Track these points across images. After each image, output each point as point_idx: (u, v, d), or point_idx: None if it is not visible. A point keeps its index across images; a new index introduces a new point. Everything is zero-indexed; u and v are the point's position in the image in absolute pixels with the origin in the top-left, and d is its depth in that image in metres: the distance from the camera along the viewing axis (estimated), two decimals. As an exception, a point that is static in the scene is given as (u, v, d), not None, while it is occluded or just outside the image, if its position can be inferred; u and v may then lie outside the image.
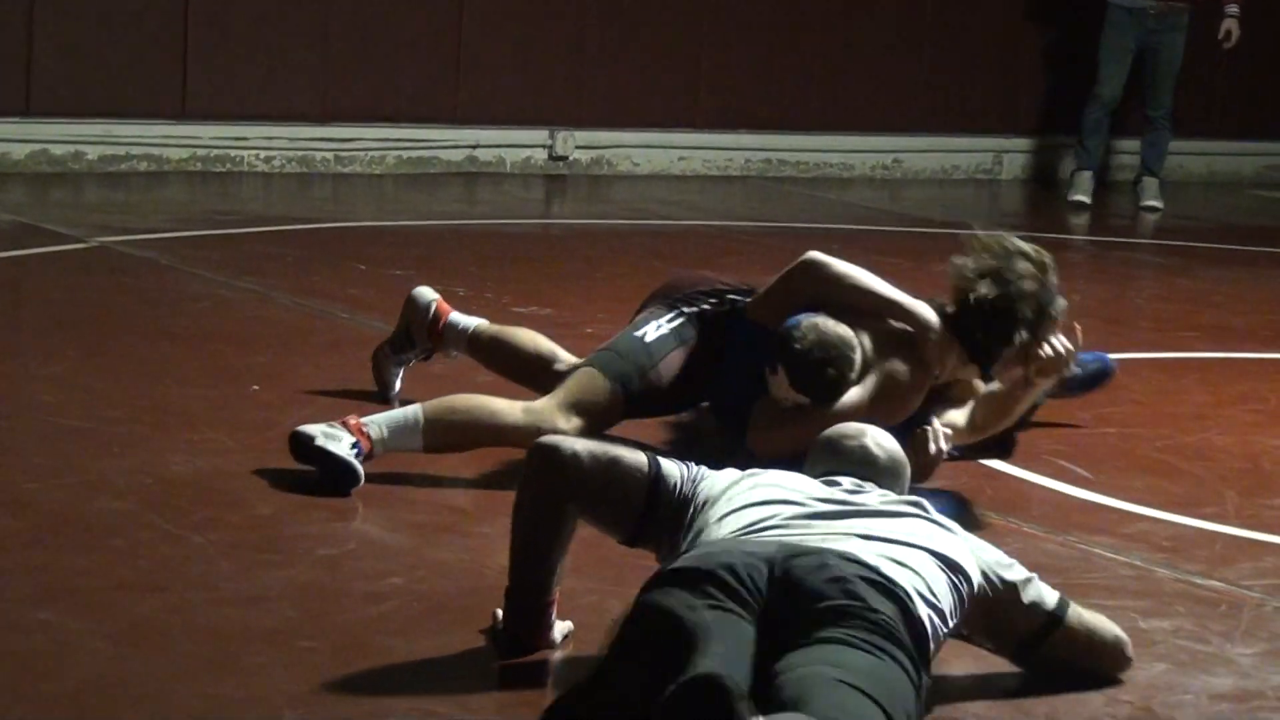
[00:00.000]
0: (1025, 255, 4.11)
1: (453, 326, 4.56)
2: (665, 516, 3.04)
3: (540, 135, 8.89)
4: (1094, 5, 8.93)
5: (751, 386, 4.11)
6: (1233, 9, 8.92)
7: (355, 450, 3.95)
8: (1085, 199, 8.99)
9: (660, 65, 9.06)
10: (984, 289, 4.08)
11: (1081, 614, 3.12)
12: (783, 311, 4.10)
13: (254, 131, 8.36)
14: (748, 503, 2.98)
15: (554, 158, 8.93)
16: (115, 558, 3.51)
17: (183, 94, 8.23)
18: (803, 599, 2.69)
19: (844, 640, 2.64)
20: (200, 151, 8.30)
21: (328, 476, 3.93)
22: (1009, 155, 9.74)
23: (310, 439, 3.93)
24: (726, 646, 2.60)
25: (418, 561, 3.59)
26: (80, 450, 4.14)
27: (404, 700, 2.97)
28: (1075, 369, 4.27)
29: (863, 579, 2.73)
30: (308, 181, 8.37)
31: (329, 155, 8.54)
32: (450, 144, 8.75)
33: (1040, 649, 3.07)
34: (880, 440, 3.21)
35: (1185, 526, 4.10)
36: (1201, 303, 6.82)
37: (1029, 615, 3.05)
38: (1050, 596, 3.08)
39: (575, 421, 4.07)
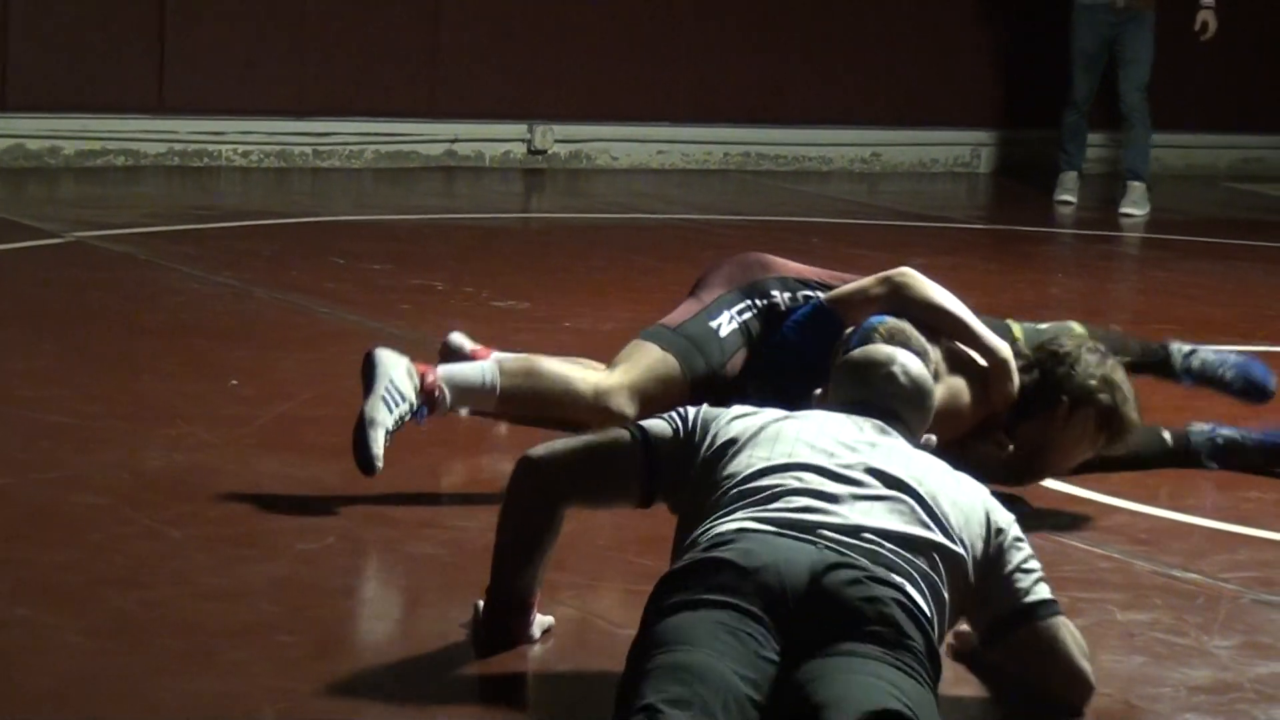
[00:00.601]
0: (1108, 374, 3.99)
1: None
2: (671, 470, 2.99)
3: (519, 129, 8.88)
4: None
5: (802, 368, 3.91)
6: (1209, 0, 8.92)
7: (412, 416, 3.84)
8: (1071, 199, 9.00)
9: (639, 59, 9.06)
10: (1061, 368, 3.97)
11: (1066, 627, 2.99)
12: (859, 314, 3.94)
13: (231, 126, 8.34)
14: (773, 464, 2.88)
15: (533, 151, 8.92)
16: (93, 553, 3.50)
17: (159, 88, 8.21)
18: (837, 614, 2.66)
19: (885, 660, 2.61)
20: (177, 146, 8.27)
21: (356, 443, 3.79)
22: (987, 148, 9.76)
23: (369, 393, 3.81)
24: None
25: (397, 556, 3.59)
26: (58, 445, 4.12)
27: (384, 694, 2.97)
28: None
29: (898, 604, 2.68)
30: (285, 176, 8.35)
31: (307, 149, 8.52)
32: (429, 138, 8.73)
33: (1009, 637, 2.96)
34: (908, 368, 3.10)
35: (1163, 519, 4.10)
36: (1179, 295, 6.84)
37: (1013, 596, 2.95)
38: (1043, 592, 2.98)
39: (640, 409, 3.89)
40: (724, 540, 2.76)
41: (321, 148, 8.54)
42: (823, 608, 2.66)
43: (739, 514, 2.83)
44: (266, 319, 5.49)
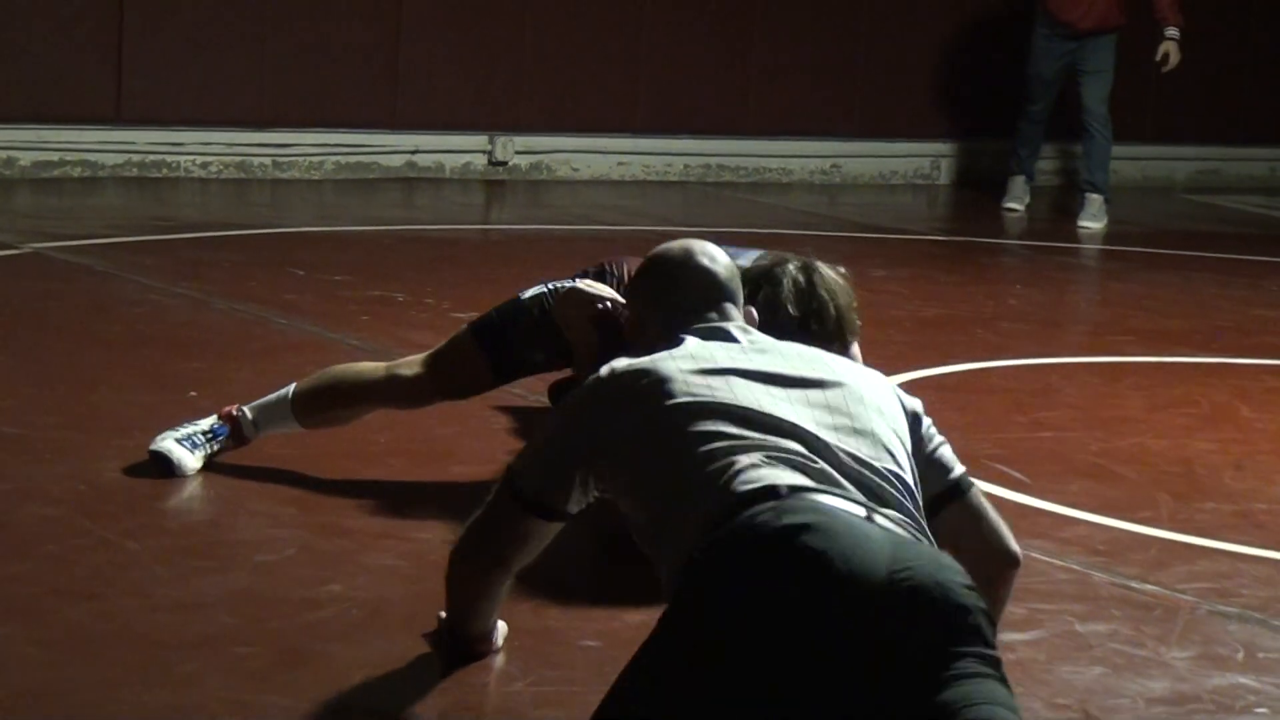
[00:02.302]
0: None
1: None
2: (573, 490, 2.85)
3: (479, 140, 8.88)
4: (1029, 13, 8.98)
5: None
6: (1172, 31, 8.78)
7: (213, 437, 4.01)
8: (1019, 206, 9.04)
9: (599, 70, 9.06)
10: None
11: (981, 495, 2.92)
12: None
13: (190, 137, 8.30)
14: (722, 444, 2.65)
15: (493, 163, 8.92)
16: (48, 565, 3.48)
17: (117, 99, 8.17)
18: (931, 624, 2.43)
19: (996, 679, 2.46)
20: (135, 157, 8.23)
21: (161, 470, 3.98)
22: (946, 160, 9.80)
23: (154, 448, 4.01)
24: None
25: (356, 567, 3.57)
26: (12, 456, 4.10)
27: (343, 706, 2.96)
28: None
29: (982, 611, 2.49)
30: (245, 187, 8.32)
31: (267, 161, 8.49)
32: (389, 149, 8.72)
33: (938, 514, 2.84)
34: (709, 252, 2.98)
35: (1121, 530, 4.12)
36: (1136, 307, 6.88)
37: (940, 475, 2.86)
38: (957, 464, 2.90)
39: (433, 372, 3.97)
40: (781, 513, 2.49)
41: (281, 159, 8.52)
42: (910, 611, 2.41)
43: (757, 470, 2.59)
44: (225, 330, 5.47)
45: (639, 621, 3.36)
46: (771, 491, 2.55)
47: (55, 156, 8.08)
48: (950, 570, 2.49)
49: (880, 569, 2.43)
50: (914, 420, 2.84)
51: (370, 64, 8.61)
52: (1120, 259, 8.03)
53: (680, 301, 2.92)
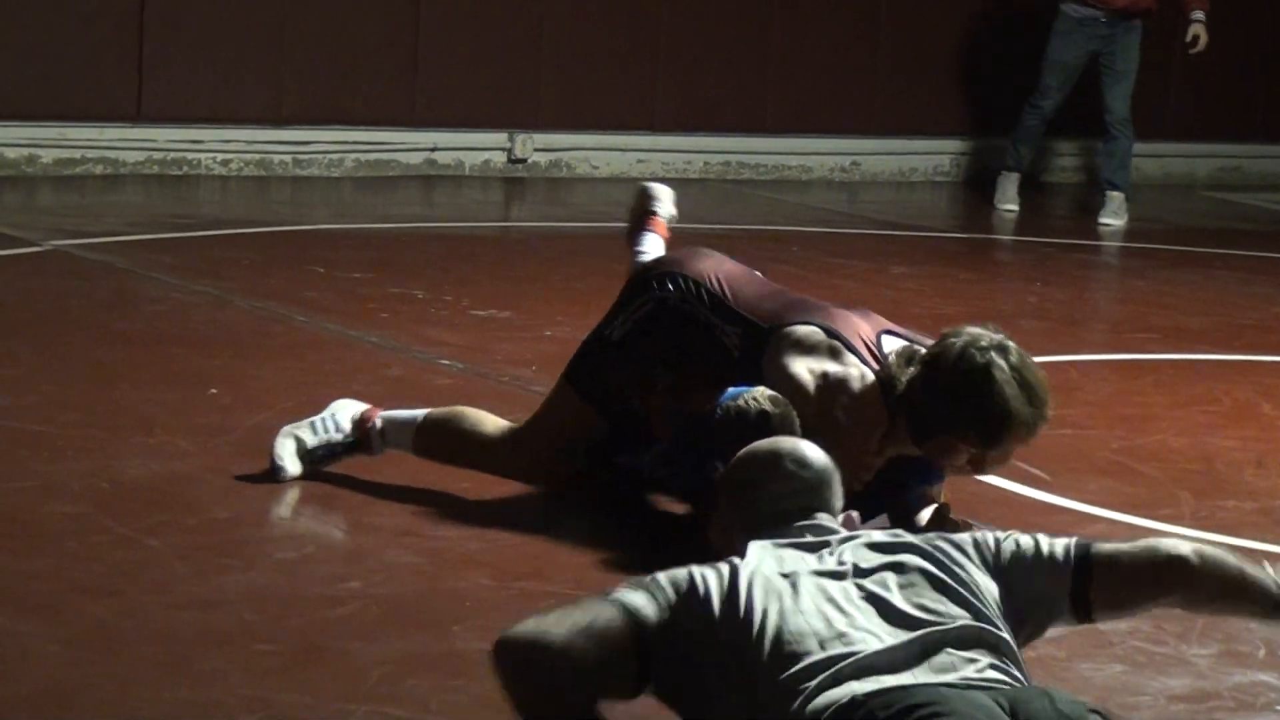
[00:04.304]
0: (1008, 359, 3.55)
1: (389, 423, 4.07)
2: (665, 661, 2.61)
3: (499, 138, 8.88)
4: (1052, 8, 8.94)
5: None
6: (1198, 14, 8.78)
7: (344, 449, 3.98)
8: (1015, 207, 8.95)
9: (619, 67, 9.06)
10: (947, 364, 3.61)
11: (1112, 542, 2.76)
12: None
13: (211, 135, 8.32)
14: (803, 639, 2.54)
15: (513, 160, 8.92)
16: (69, 562, 3.48)
17: (138, 97, 8.19)
18: None
19: None
20: (156, 155, 8.25)
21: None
22: (966, 157, 9.78)
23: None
24: None
25: (376, 565, 3.57)
26: (35, 454, 4.10)
27: (362, 704, 2.96)
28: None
29: None
30: (265, 184, 8.33)
31: (286, 158, 8.51)
32: (408, 146, 8.73)
33: (1090, 594, 2.71)
34: (803, 454, 2.83)
35: (1141, 528, 4.09)
36: (1157, 305, 6.86)
37: (1055, 567, 2.72)
38: (1060, 540, 2.75)
39: (553, 452, 3.93)
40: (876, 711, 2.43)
41: (301, 156, 8.53)
42: None
43: (828, 690, 2.49)
44: (245, 327, 5.48)
45: None
46: (852, 704, 2.46)
47: (77, 154, 8.11)
48: (1067, 703, 2.46)
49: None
50: (989, 553, 2.72)
51: (390, 61, 8.62)
52: (1141, 256, 8.00)
53: (764, 509, 2.78)
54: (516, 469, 3.99)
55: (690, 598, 2.63)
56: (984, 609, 2.64)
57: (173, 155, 8.27)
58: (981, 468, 3.69)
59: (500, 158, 8.90)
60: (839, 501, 2.85)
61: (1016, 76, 9.25)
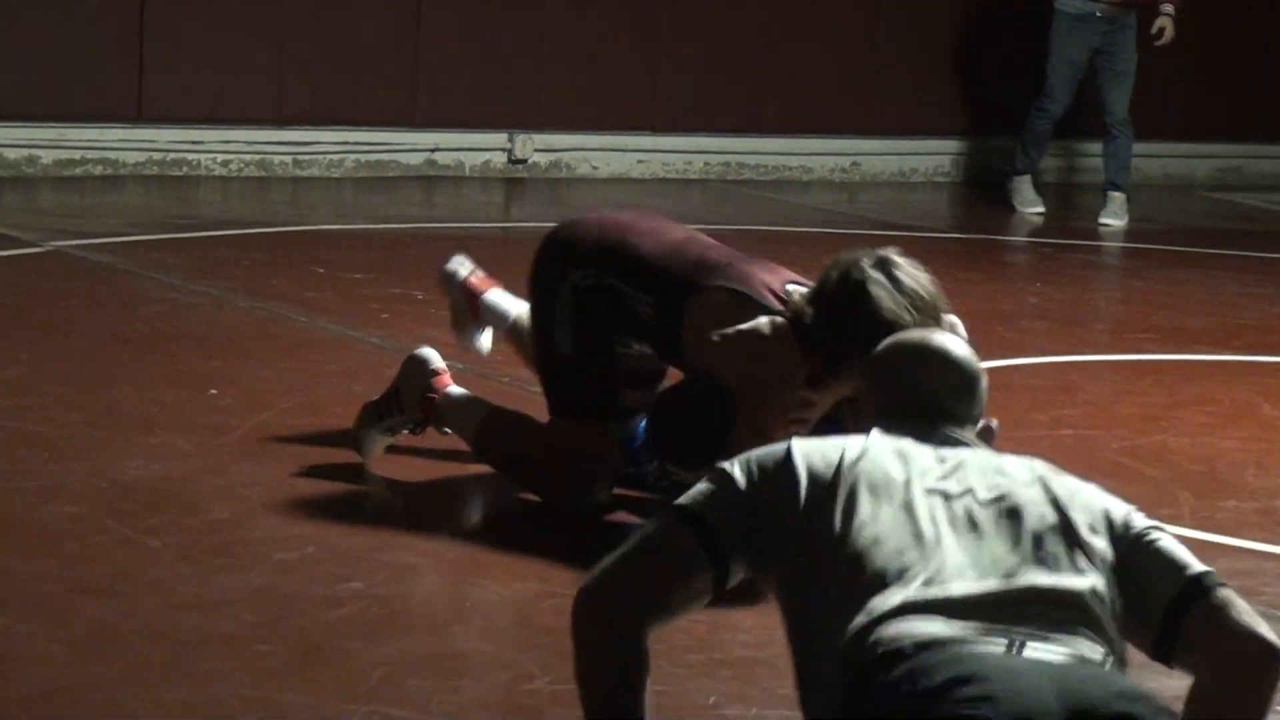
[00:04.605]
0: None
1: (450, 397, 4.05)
2: (739, 539, 2.42)
3: (499, 138, 8.88)
4: (1048, 9, 8.94)
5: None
6: (1168, 7, 8.77)
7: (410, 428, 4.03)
8: (1042, 209, 8.97)
9: (619, 68, 9.06)
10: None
11: (1232, 593, 2.45)
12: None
13: (211, 135, 8.32)
14: (893, 555, 2.33)
15: (513, 161, 8.92)
16: (70, 562, 3.48)
17: (138, 97, 8.19)
18: None
19: None
20: (156, 155, 8.25)
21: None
22: (966, 158, 9.78)
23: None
24: None
25: (376, 566, 3.57)
26: (35, 454, 4.11)
27: (362, 704, 2.96)
28: None
29: None
30: (265, 185, 8.34)
31: (287, 159, 8.51)
32: (409, 147, 8.73)
33: (1182, 625, 2.43)
34: (951, 351, 2.56)
35: (1142, 528, 4.11)
36: (1157, 305, 6.86)
37: (1168, 574, 2.45)
38: (1193, 562, 2.48)
39: (559, 460, 3.92)
40: (917, 676, 2.19)
41: (302, 157, 8.53)
42: None
43: (908, 617, 2.27)
44: (245, 328, 5.48)
45: None
46: (899, 653, 2.24)
47: (77, 155, 8.11)
48: (1129, 698, 2.23)
49: (1050, 707, 2.17)
50: (1120, 525, 2.47)
51: (390, 62, 8.62)
52: (1141, 257, 8.00)
53: (899, 398, 2.55)
54: (563, 492, 3.95)
55: (780, 476, 2.41)
56: (1092, 579, 2.37)
57: (173, 156, 8.27)
58: None
59: (500, 158, 8.90)
60: (979, 410, 2.64)
61: (1017, 77, 9.25)
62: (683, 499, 2.46)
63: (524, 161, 8.93)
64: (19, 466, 4.02)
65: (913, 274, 3.58)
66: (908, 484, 2.41)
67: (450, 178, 8.78)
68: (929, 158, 9.70)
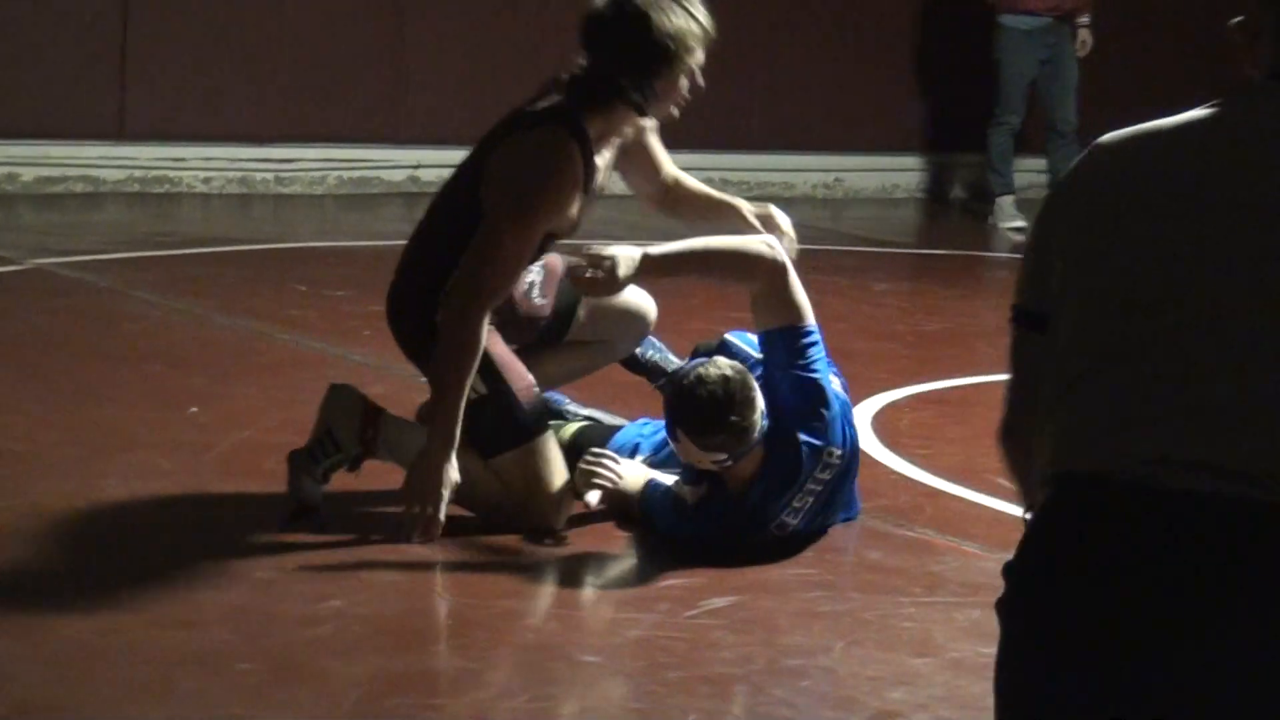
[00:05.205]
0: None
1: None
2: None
3: (482, 155, 8.89)
4: (992, 26, 8.96)
5: None
6: (1084, 19, 8.91)
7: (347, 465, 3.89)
8: (1022, 223, 9.01)
9: (602, 85, 9.08)
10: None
11: None
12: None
13: (192, 153, 8.33)
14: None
15: (496, 178, 8.94)
16: (49, 582, 3.48)
17: (120, 115, 8.20)
18: None
19: None
20: (138, 173, 8.26)
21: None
22: (949, 174, 9.81)
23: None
24: None
25: (356, 584, 3.58)
26: (14, 472, 4.11)
27: (341, 723, 2.96)
28: None
29: None
30: (248, 202, 8.35)
31: (269, 176, 8.52)
32: (391, 164, 8.74)
33: None
34: None
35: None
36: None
37: None
38: None
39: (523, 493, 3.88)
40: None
41: (284, 174, 8.54)
42: None
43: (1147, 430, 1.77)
44: (227, 346, 5.49)
45: (637, 637, 3.38)
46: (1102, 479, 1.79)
47: (58, 172, 8.11)
48: None
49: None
50: None
51: (372, 79, 8.63)
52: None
53: None
54: (536, 520, 3.88)
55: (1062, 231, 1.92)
56: None
57: (154, 173, 8.28)
58: (695, 81, 4.03)
59: (483, 175, 8.91)
60: None
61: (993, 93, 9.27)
62: (1029, 307, 2.02)
63: (507, 178, 8.94)
64: (-1, 485, 4.02)
65: None
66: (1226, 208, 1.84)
67: (433, 195, 8.78)
68: (912, 174, 9.74)
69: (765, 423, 3.78)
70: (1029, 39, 8.77)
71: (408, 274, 3.98)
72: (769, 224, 4.17)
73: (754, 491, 3.79)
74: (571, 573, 3.73)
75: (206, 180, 8.38)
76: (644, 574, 3.76)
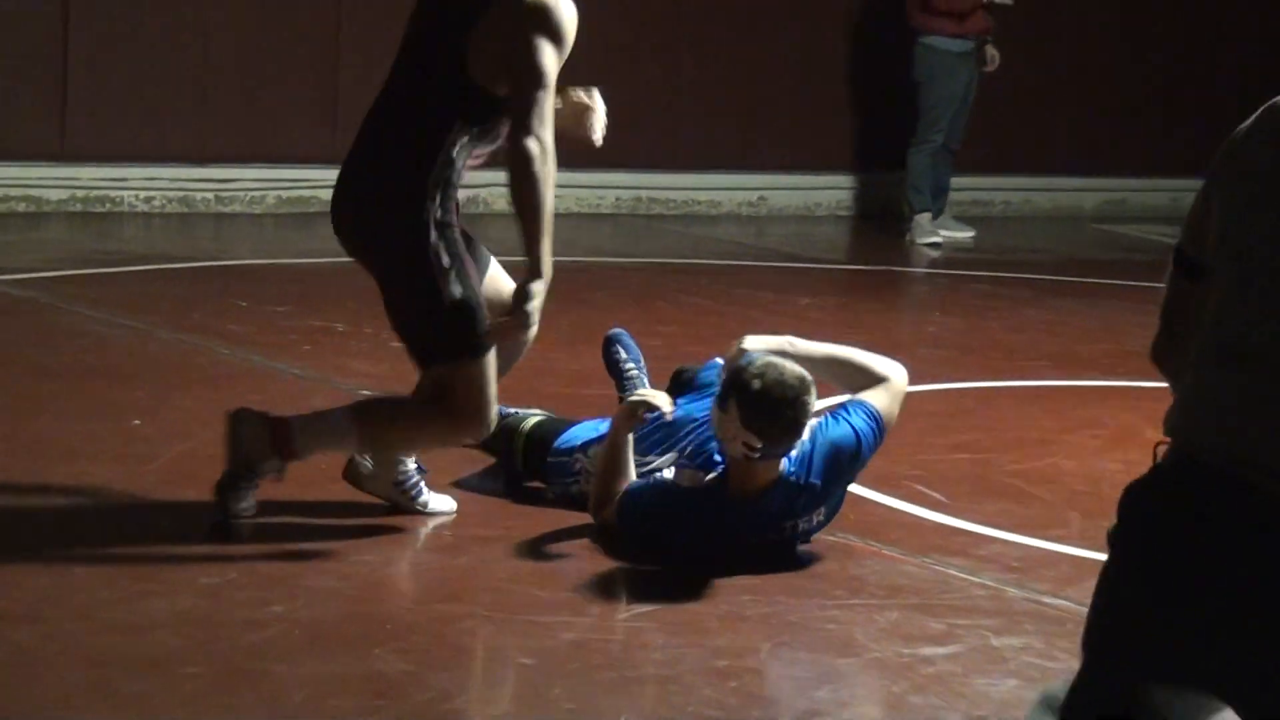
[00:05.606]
0: None
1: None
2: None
3: (416, 173, 8.94)
4: (907, 36, 9.09)
5: None
6: (988, 36, 9.10)
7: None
8: (938, 239, 9.15)
9: (534, 104, 9.14)
10: None
11: None
12: None
13: (134, 173, 8.35)
14: None
15: (430, 196, 8.99)
16: (-6, 589, 3.50)
17: (61, 135, 8.21)
18: None
19: None
20: (80, 192, 8.27)
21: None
22: (869, 192, 9.92)
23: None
24: None
25: (298, 589, 3.61)
26: (-39, 485, 4.12)
27: (285, 724, 3.01)
28: None
29: None
30: (188, 221, 8.36)
31: (209, 195, 8.55)
32: (329, 183, 8.68)
33: None
34: None
35: (1033, 548, 4.21)
36: (1048, 332, 6.97)
37: None
38: None
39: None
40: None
41: (224, 193, 8.58)
42: None
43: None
44: (168, 360, 5.49)
45: (571, 639, 3.44)
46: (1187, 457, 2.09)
47: (0, 193, 8.12)
48: None
49: None
50: None
51: (310, 99, 8.68)
52: (1034, 286, 8.12)
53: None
54: (469, 434, 3.98)
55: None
56: None
57: (96, 193, 8.29)
58: None
59: (417, 192, 8.96)
60: None
61: (914, 112, 9.43)
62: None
63: (441, 196, 9.00)
64: (-55, 498, 4.03)
65: None
66: None
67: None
68: (832, 192, 9.85)
69: (806, 443, 3.90)
70: (960, 61, 8.91)
71: (388, 140, 4.18)
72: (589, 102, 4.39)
73: (751, 504, 3.89)
74: (508, 577, 3.79)
75: (148, 200, 8.41)
76: (578, 578, 3.81)
